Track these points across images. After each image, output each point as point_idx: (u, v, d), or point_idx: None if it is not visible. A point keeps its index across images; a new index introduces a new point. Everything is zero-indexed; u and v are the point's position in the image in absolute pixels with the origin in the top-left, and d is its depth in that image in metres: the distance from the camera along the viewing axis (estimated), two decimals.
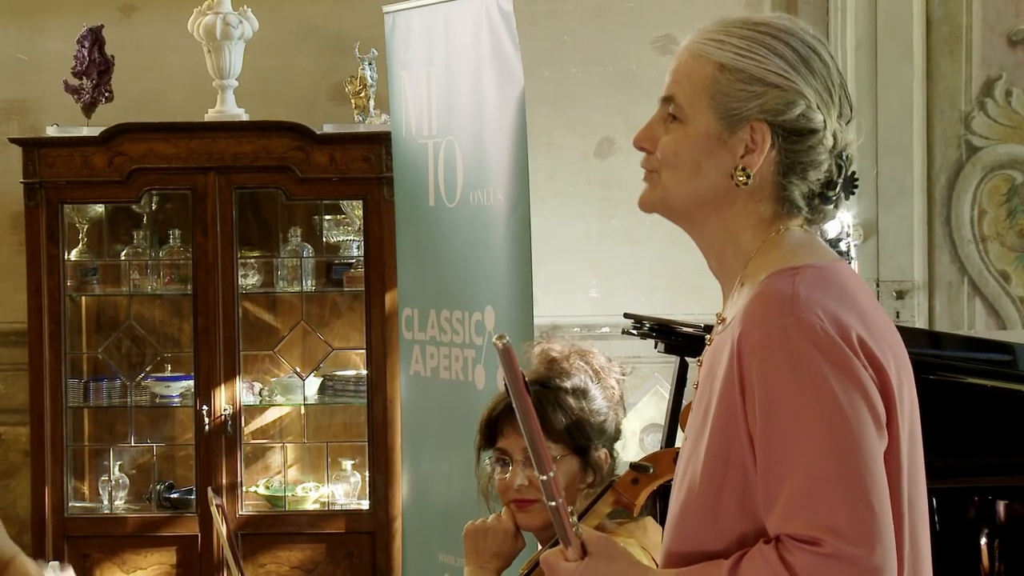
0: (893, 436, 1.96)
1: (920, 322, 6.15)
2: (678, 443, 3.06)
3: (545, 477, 2.21)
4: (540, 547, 3.08)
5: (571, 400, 2.95)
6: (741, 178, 2.04)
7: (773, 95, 2.03)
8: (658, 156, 2.10)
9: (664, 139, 2.09)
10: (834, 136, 2.06)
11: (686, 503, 2.04)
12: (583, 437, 2.94)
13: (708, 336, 2.15)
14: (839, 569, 1.87)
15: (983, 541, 3.46)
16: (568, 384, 2.97)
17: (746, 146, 2.04)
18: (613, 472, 2.98)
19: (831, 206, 2.09)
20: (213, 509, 3.33)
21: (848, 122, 2.09)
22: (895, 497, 1.94)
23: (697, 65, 2.07)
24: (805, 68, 2.05)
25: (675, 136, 2.08)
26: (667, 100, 2.10)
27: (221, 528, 3.30)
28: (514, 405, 2.16)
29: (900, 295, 6.09)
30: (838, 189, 2.08)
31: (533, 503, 2.96)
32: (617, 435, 3.01)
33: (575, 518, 2.25)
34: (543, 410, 2.92)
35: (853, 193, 2.11)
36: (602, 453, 2.96)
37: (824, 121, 2.05)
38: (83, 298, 6.19)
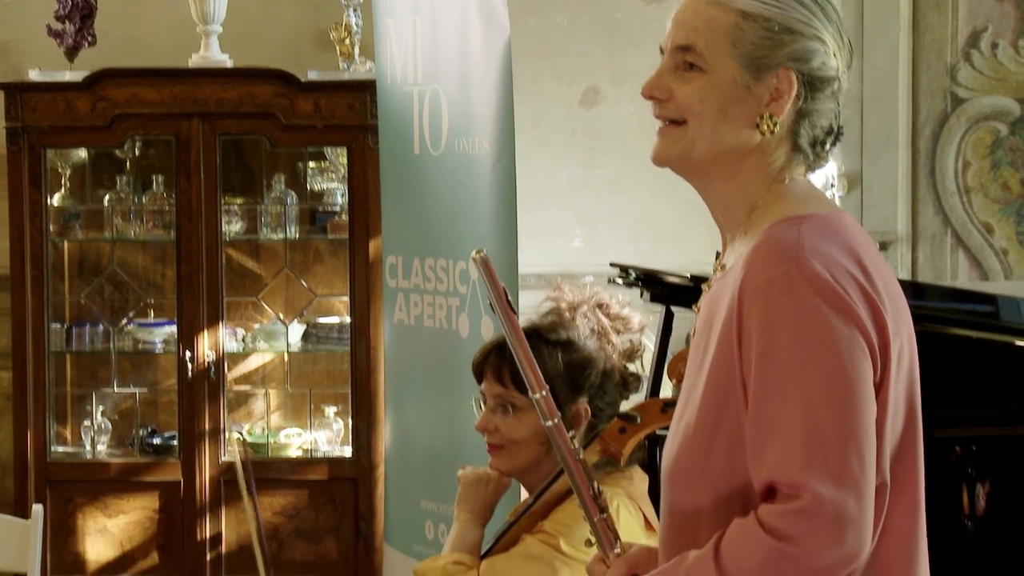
0: (884, 384, 1.96)
1: (903, 273, 6.17)
2: (664, 393, 3.08)
3: (538, 396, 2.21)
4: (525, 494, 3.10)
5: (547, 352, 2.95)
6: (768, 127, 2.04)
7: (799, 42, 2.04)
8: (677, 106, 2.07)
9: (685, 89, 2.06)
10: (839, 81, 2.08)
11: (680, 452, 2.04)
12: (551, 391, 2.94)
13: (706, 283, 2.15)
14: (821, 521, 1.88)
15: (966, 489, 3.48)
16: (553, 337, 2.97)
17: (771, 94, 2.04)
18: (599, 424, 2.97)
19: (829, 150, 2.11)
20: (236, 440, 3.33)
21: (848, 67, 2.10)
22: (878, 445, 1.95)
23: (717, 13, 2.05)
24: (823, 14, 2.05)
25: (698, 85, 2.05)
26: (683, 49, 2.06)
27: (238, 461, 3.30)
28: (498, 317, 2.17)
29: (883, 247, 6.11)
30: (836, 134, 2.10)
31: (499, 448, 3.00)
32: (615, 391, 2.99)
33: (576, 442, 2.26)
34: (512, 363, 2.93)
35: (840, 139, 2.12)
36: (580, 407, 2.95)
37: (838, 67, 2.06)
38: (65, 243, 6.18)
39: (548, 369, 2.92)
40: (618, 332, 3.01)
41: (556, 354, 2.94)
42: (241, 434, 3.44)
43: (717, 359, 2.00)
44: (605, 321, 3.00)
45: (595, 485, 2.24)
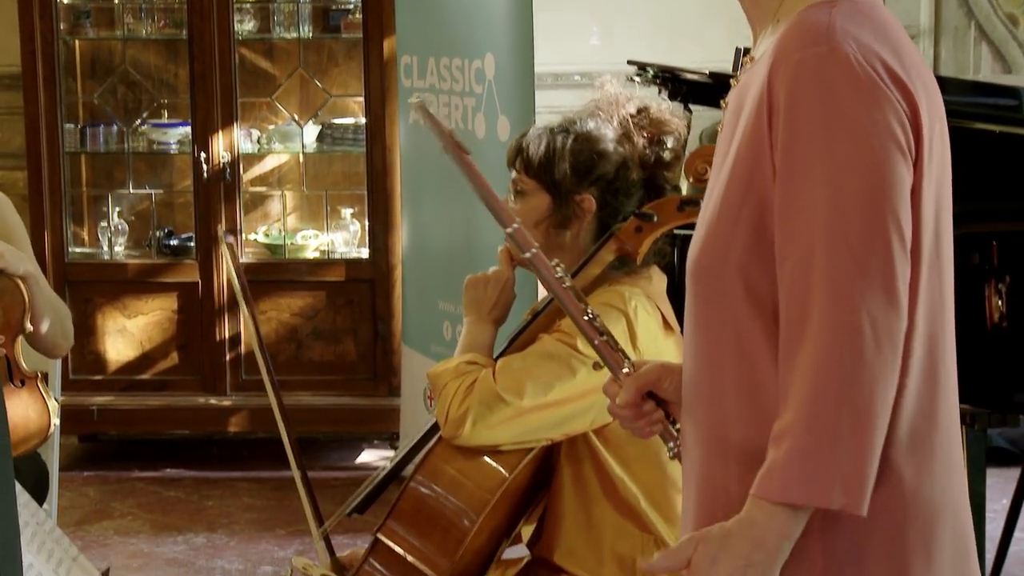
0: (919, 170, 1.92)
1: None
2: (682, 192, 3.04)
3: (509, 230, 2.19)
4: (543, 293, 3.09)
5: (560, 138, 2.92)
6: None
7: None
8: None
9: None
10: None
11: (704, 245, 2.01)
12: (551, 175, 2.92)
13: (735, 76, 2.10)
14: (852, 306, 1.85)
15: (988, 284, 3.47)
16: (573, 128, 2.94)
17: None
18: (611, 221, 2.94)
19: None
20: (224, 248, 3.32)
21: None
22: (916, 232, 1.91)
23: None
24: None
25: None
26: None
27: (231, 267, 3.29)
28: (454, 161, 2.14)
29: None
30: None
31: None
32: (633, 190, 2.94)
33: (561, 271, 2.23)
34: (525, 145, 2.95)
35: None
36: (584, 198, 2.92)
37: None
38: (77, 42, 6.11)
39: (557, 156, 2.90)
40: (651, 137, 2.96)
41: (568, 141, 2.91)
42: (230, 242, 3.41)
43: (742, 147, 1.95)
44: (630, 120, 2.95)
45: (589, 310, 2.22)
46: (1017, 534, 4.31)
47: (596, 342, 2.20)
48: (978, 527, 3.62)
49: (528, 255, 2.19)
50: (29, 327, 3.43)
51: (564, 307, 2.24)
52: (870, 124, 1.87)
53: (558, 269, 2.24)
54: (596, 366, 2.23)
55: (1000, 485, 5.03)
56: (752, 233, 1.94)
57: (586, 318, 2.22)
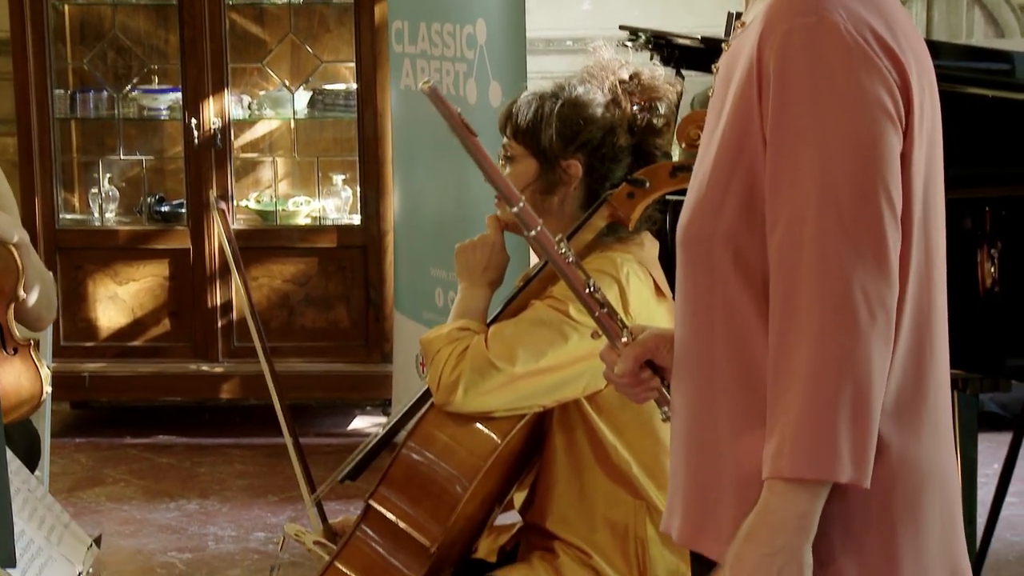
0: (909, 139, 1.92)
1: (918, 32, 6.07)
2: (674, 158, 3.03)
3: (515, 209, 2.19)
4: (535, 259, 3.08)
5: (549, 104, 2.91)
6: None
7: None
8: None
9: None
10: None
11: (694, 211, 2.00)
12: (537, 140, 2.91)
13: (725, 42, 2.09)
14: (844, 278, 1.84)
15: (981, 249, 3.46)
16: (562, 94, 2.93)
17: None
18: (603, 188, 2.93)
19: None
20: (216, 214, 3.30)
21: None
22: (906, 202, 1.91)
23: None
24: None
25: None
26: None
27: (223, 233, 3.28)
28: (462, 143, 2.13)
29: None
30: None
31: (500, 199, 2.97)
32: (621, 155, 2.93)
33: (564, 246, 2.23)
34: (515, 111, 2.94)
35: None
36: (571, 164, 2.91)
37: None
38: (66, 6, 6.09)
39: (543, 121, 2.89)
40: (643, 103, 2.94)
41: (555, 106, 2.90)
42: (222, 207, 3.40)
43: (732, 114, 1.95)
44: (619, 86, 2.94)
45: (591, 282, 2.21)
46: (1008, 498, 4.31)
47: (596, 314, 2.20)
48: (970, 492, 3.62)
49: (533, 233, 2.19)
50: (22, 294, 3.42)
51: (568, 282, 2.23)
52: (860, 94, 1.87)
53: (561, 245, 2.24)
54: (595, 335, 2.23)
55: (992, 450, 5.04)
56: (742, 203, 1.94)
57: (587, 291, 2.22)
